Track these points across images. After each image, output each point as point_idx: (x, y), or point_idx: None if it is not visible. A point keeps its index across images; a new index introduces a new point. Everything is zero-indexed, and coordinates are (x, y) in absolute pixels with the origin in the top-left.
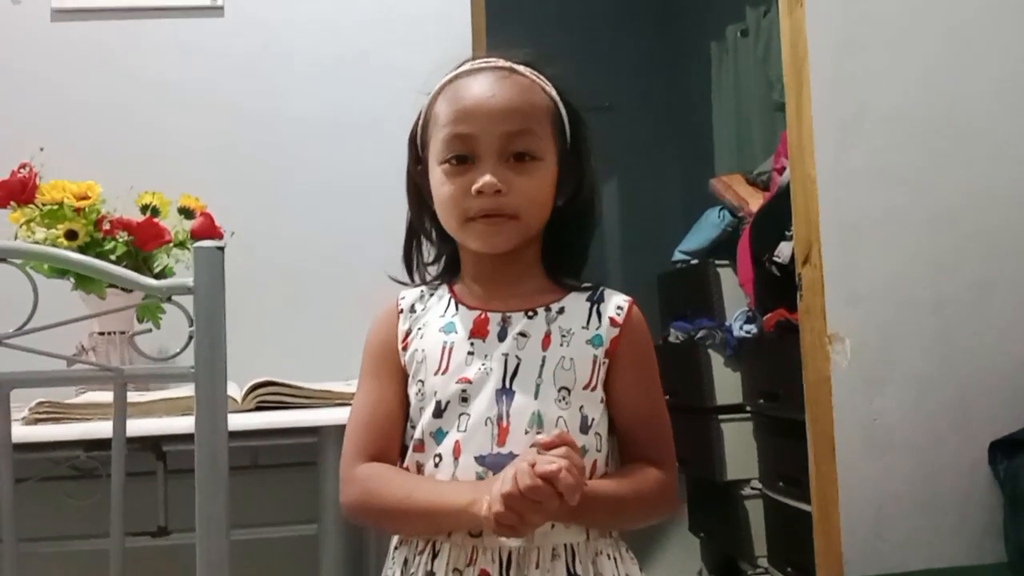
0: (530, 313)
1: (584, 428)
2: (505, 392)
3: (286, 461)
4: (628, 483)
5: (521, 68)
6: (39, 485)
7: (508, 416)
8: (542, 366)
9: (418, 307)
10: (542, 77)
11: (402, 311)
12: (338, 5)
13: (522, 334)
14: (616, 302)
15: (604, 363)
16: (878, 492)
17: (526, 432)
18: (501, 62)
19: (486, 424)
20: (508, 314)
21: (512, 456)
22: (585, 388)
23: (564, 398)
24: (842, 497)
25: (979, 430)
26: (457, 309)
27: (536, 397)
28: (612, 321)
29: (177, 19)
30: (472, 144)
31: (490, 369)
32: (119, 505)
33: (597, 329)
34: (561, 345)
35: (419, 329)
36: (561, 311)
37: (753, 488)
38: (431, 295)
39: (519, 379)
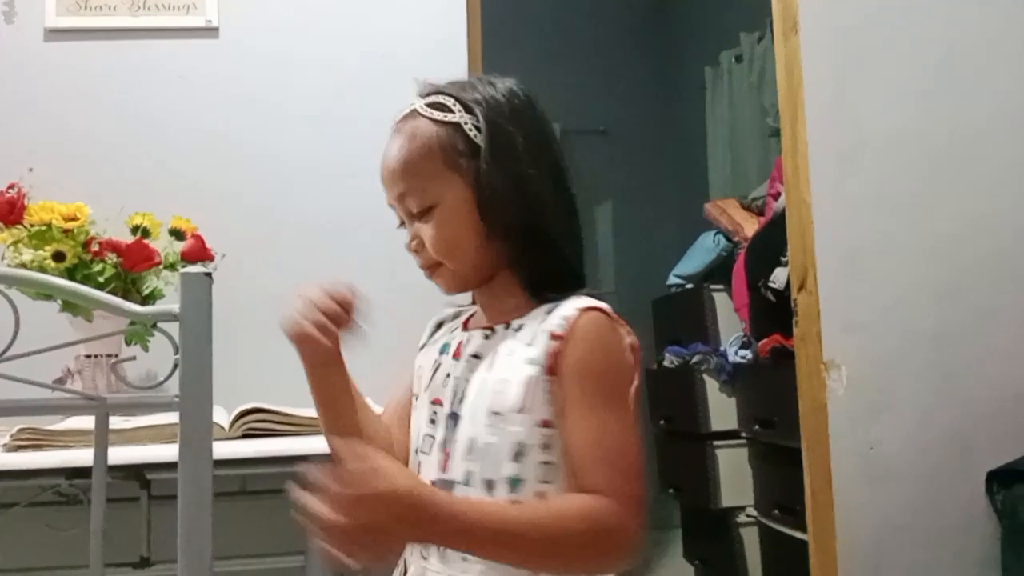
0: (487, 333)
1: (517, 456)
2: (452, 417)
3: (274, 488)
4: (537, 511)
5: (420, 105)
6: (20, 512)
7: (453, 442)
8: (481, 389)
9: (446, 324)
10: (444, 105)
11: (433, 324)
12: (333, 31)
13: (475, 355)
14: (563, 312)
15: (544, 381)
16: (875, 522)
17: (463, 460)
18: (410, 107)
19: (440, 449)
20: (473, 332)
21: (451, 484)
22: (519, 412)
23: (494, 423)
24: (839, 527)
25: (978, 460)
26: (463, 330)
27: (472, 422)
28: (552, 335)
29: (171, 40)
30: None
31: (450, 392)
32: (99, 537)
33: (538, 345)
34: (505, 366)
35: (429, 345)
36: (520, 328)
37: (748, 515)
38: (455, 317)
39: (465, 403)
